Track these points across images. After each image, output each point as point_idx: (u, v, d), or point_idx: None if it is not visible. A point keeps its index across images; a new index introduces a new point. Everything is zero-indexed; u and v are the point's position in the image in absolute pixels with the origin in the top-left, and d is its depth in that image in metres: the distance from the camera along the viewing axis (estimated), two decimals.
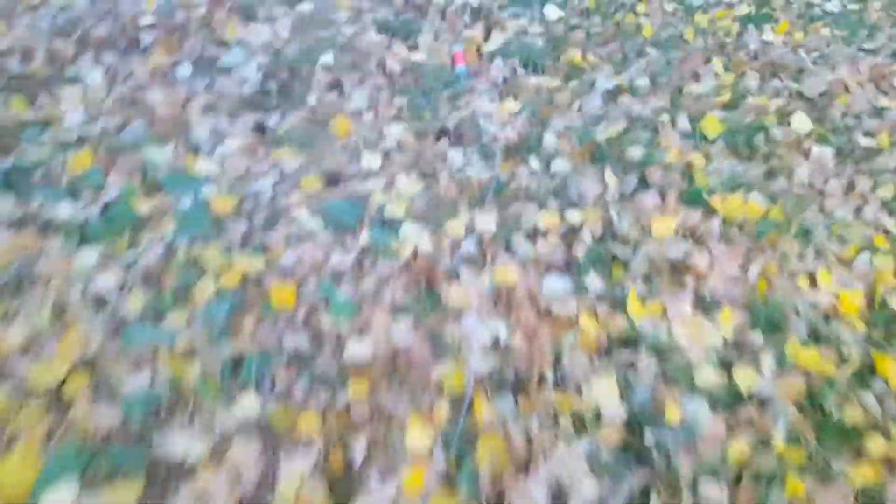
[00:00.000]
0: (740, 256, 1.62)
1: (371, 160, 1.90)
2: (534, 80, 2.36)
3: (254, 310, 1.39)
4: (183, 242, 1.53)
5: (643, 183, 1.89)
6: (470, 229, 1.68)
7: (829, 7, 2.99)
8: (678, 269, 1.60)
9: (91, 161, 1.72)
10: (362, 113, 2.10)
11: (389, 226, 1.66)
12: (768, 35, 2.75)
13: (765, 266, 1.60)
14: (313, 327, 1.38)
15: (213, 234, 1.57)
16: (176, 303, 1.39)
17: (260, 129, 1.97)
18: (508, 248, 1.65)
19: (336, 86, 2.20)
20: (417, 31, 2.53)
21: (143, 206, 1.61)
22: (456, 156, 1.95)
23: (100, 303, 1.38)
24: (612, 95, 2.33)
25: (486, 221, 1.70)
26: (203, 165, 1.78)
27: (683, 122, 2.18)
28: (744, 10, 2.90)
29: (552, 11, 2.76)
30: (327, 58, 2.30)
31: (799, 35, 2.74)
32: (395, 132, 2.02)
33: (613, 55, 2.57)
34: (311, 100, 2.10)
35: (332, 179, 1.82)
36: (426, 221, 1.69)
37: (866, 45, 2.73)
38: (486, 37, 2.57)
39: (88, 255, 1.47)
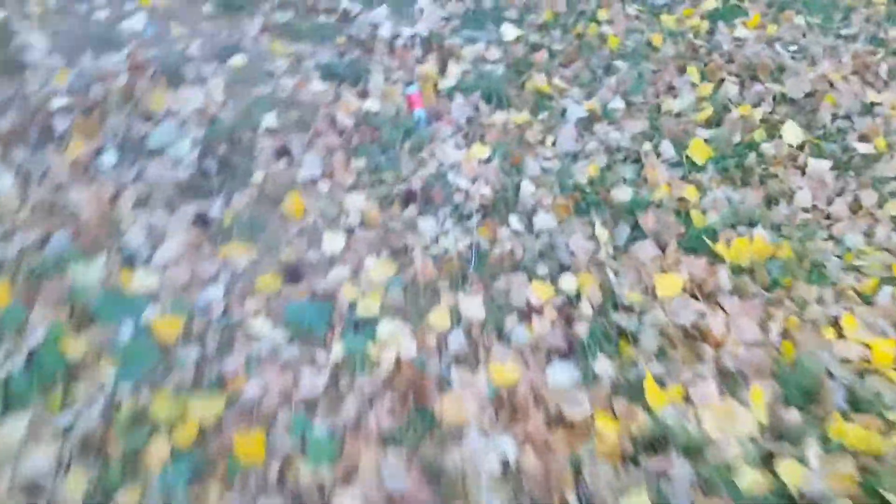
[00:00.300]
0: (757, 312, 1.46)
1: (333, 242, 1.69)
2: (500, 117, 2.17)
3: (218, 471, 1.18)
4: (126, 390, 1.30)
5: (637, 231, 1.72)
6: (455, 318, 1.49)
7: None
8: (692, 337, 1.43)
9: (9, 294, 1.48)
10: (317, 182, 1.88)
11: (364, 327, 1.46)
12: (740, 31, 2.59)
13: (785, 321, 1.44)
14: (290, 484, 1.17)
15: (160, 371, 1.34)
16: (125, 476, 1.17)
17: (202, 220, 1.73)
18: (502, 335, 1.46)
19: (283, 152, 1.97)
20: (366, 72, 2.30)
21: (76, 347, 1.37)
22: (427, 225, 1.75)
23: (34, 491, 1.16)
24: (586, 124, 2.15)
25: (473, 306, 1.51)
26: (141, 280, 1.54)
27: (668, 149, 2.01)
28: (711, 4, 2.73)
29: (509, 30, 2.56)
30: (270, 119, 2.06)
31: (772, 28, 2.59)
32: (357, 203, 1.81)
33: (580, 75, 2.38)
34: (258, 175, 1.87)
35: (292, 274, 1.61)
36: (405, 316, 1.49)
37: (844, 32, 2.59)
38: (442, 70, 2.36)
39: (15, 425, 1.23)
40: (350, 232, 1.72)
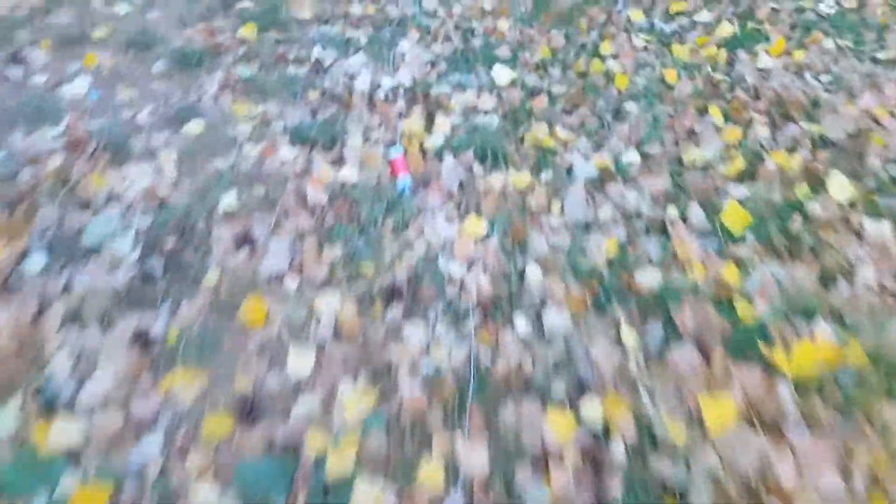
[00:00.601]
0: (834, 449, 1.15)
1: (299, 362, 1.38)
2: (497, 179, 1.87)
3: None
4: None
5: (671, 329, 1.41)
6: (452, 473, 1.18)
7: (823, 9, 2.54)
8: (756, 492, 1.12)
9: None
10: (283, 278, 1.58)
11: (335, 493, 1.15)
12: (764, 59, 2.30)
13: (870, 462, 1.13)
14: None
15: None
16: None
17: (143, 340, 1.43)
18: (512, 494, 1.15)
19: (244, 240, 1.67)
20: (342, 133, 2.01)
21: None
22: (415, 332, 1.44)
23: None
24: (598, 185, 1.85)
25: (473, 454, 1.20)
26: (62, 432, 1.23)
27: (697, 214, 1.70)
28: (726, 30, 2.44)
29: (502, 73, 2.26)
30: (229, 199, 1.77)
31: (799, 54, 2.29)
32: (330, 305, 1.50)
33: (586, 122, 2.08)
34: (212, 274, 1.57)
35: (247, 412, 1.30)
36: (387, 472, 1.18)
37: (880, 55, 2.29)
38: (429, 125, 2.06)
39: None
40: (321, 347, 1.42)
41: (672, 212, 1.72)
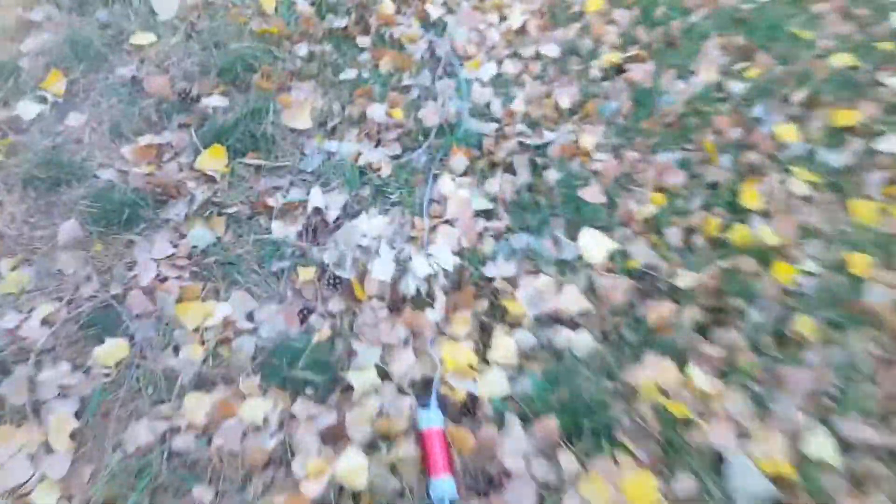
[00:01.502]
0: None
1: None
2: (601, 489, 1.12)
3: None
4: None
5: None
6: None
7: None
8: None
9: None
10: None
11: None
12: None
13: None
14: None
15: None
16: None
17: None
18: None
19: None
20: (345, 361, 1.26)
21: None
22: None
23: None
24: None
25: None
26: None
27: None
28: None
29: (593, 243, 1.47)
30: None
31: None
32: None
33: (737, 355, 1.30)
34: None
35: None
36: None
37: None
38: (483, 347, 1.30)
39: None
40: None
41: None
